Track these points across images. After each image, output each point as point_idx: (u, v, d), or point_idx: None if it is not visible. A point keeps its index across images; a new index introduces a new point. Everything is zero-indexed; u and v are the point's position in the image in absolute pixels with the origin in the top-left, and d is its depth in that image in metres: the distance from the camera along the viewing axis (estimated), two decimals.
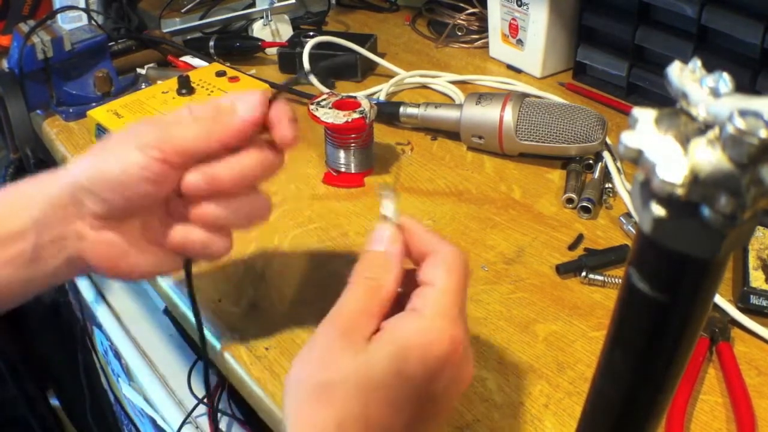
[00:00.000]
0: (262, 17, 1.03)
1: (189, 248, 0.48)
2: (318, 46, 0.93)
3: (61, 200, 0.46)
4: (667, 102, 0.23)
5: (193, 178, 0.45)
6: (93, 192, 0.46)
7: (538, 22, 0.92)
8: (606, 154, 0.73)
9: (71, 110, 0.87)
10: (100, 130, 0.76)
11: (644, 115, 0.23)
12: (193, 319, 0.55)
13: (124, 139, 0.46)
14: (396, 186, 0.74)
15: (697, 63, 0.24)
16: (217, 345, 0.56)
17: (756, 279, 0.56)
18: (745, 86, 0.75)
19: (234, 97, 0.47)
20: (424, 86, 0.95)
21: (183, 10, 1.10)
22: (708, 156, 0.22)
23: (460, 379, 0.38)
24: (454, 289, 0.39)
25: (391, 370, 0.36)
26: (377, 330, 0.39)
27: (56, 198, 0.46)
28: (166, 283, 0.62)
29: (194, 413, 0.84)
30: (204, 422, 0.82)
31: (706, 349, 0.52)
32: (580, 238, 0.65)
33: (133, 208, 0.47)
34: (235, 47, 1.00)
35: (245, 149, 0.46)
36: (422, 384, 0.37)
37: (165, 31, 1.01)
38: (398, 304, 0.40)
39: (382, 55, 1.00)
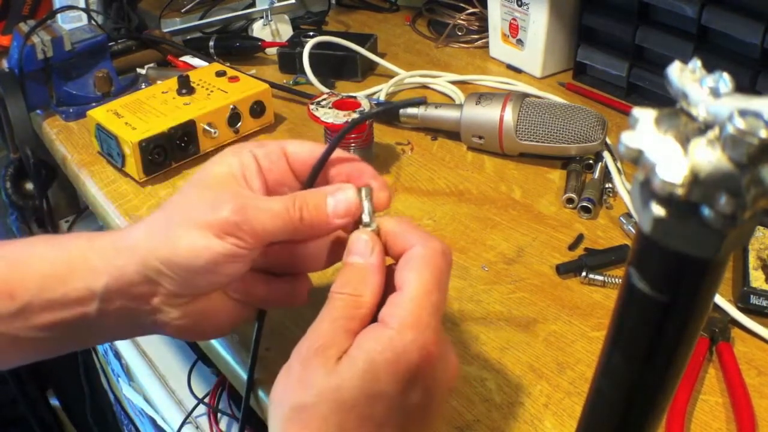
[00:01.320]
0: (262, 17, 1.03)
1: (274, 300, 0.48)
2: (318, 46, 0.93)
3: (129, 279, 0.43)
4: (667, 102, 0.23)
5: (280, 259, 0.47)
6: (172, 278, 0.42)
7: (538, 22, 0.92)
8: (606, 154, 0.73)
9: (71, 110, 0.87)
10: (100, 130, 0.76)
11: (644, 115, 0.23)
12: None
13: (195, 211, 0.42)
14: (396, 186, 0.74)
15: (697, 63, 0.24)
16: (217, 345, 0.56)
17: (756, 279, 0.56)
18: (745, 86, 0.75)
19: (305, 154, 0.46)
20: (424, 86, 0.95)
21: (183, 10, 1.10)
22: (708, 156, 0.22)
23: (441, 380, 0.38)
24: (424, 291, 0.38)
25: (362, 389, 0.36)
26: None
27: (122, 275, 0.43)
28: None
29: (194, 413, 0.84)
30: (204, 422, 0.83)
31: (706, 349, 0.52)
32: (580, 238, 0.65)
33: (215, 287, 0.45)
34: (235, 47, 1.00)
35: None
36: (397, 397, 0.36)
37: (165, 31, 1.01)
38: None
39: (382, 55, 1.00)
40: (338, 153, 0.46)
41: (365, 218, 0.42)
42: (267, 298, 0.48)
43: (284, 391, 0.38)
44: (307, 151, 0.46)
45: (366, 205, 0.42)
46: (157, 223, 0.44)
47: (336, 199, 0.43)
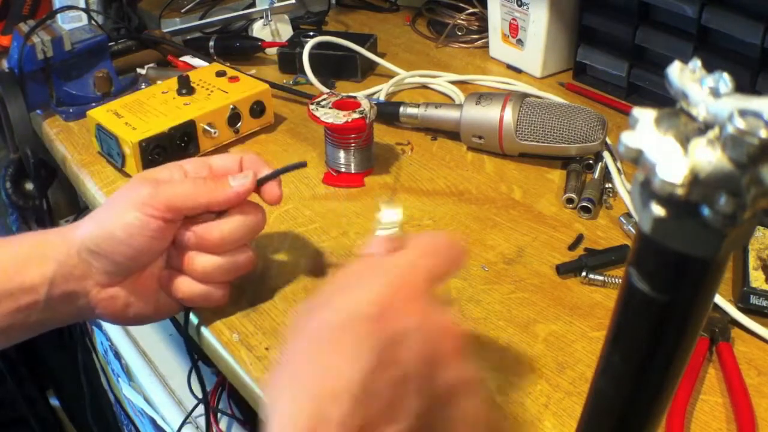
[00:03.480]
0: (262, 17, 1.03)
1: (190, 299, 0.55)
2: (318, 46, 0.93)
3: (70, 262, 0.52)
4: (667, 102, 0.23)
5: (185, 236, 0.52)
6: (99, 253, 0.51)
7: (538, 22, 0.92)
8: (606, 154, 0.73)
9: (71, 110, 0.87)
10: (100, 130, 0.76)
11: (644, 115, 0.23)
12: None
13: (120, 200, 0.52)
14: (396, 186, 0.74)
15: (697, 63, 0.24)
16: (217, 345, 0.56)
17: (756, 279, 0.56)
18: (745, 86, 0.75)
19: (226, 164, 0.56)
20: (424, 86, 0.95)
21: (183, 10, 1.10)
22: (708, 156, 0.22)
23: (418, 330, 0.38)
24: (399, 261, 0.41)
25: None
26: None
27: (66, 260, 0.52)
28: None
29: (194, 413, 0.84)
30: (204, 422, 0.83)
31: (706, 349, 0.52)
32: (580, 238, 0.65)
33: (138, 262, 0.53)
34: (235, 47, 1.00)
35: (232, 212, 0.53)
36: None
37: (165, 31, 1.01)
38: None
39: (382, 55, 1.00)
40: (254, 159, 0.56)
41: (383, 222, 0.47)
42: (188, 298, 0.55)
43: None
44: (229, 162, 0.56)
45: (391, 215, 0.46)
46: (98, 213, 0.53)
47: (235, 176, 0.53)
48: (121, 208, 0.51)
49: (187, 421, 0.83)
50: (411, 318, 0.37)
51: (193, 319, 0.58)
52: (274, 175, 0.55)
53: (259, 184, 0.54)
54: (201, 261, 0.53)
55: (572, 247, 0.64)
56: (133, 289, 0.54)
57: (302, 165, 0.57)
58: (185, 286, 0.54)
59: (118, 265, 0.52)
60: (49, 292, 0.51)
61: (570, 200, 0.69)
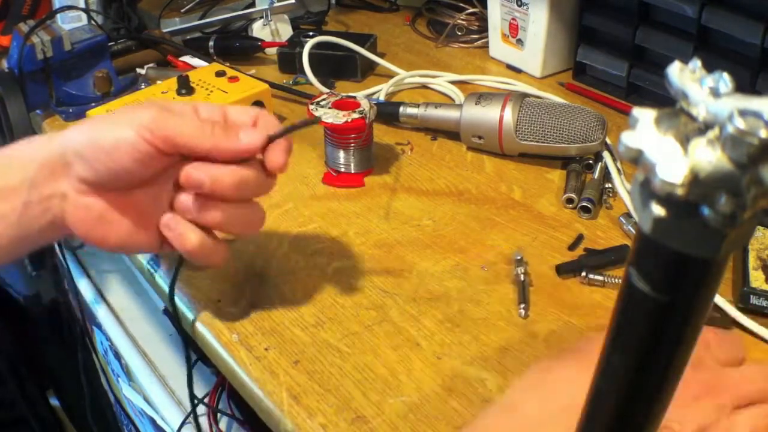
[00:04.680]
0: (262, 17, 1.03)
1: (197, 253, 0.51)
2: (318, 46, 0.93)
3: (51, 160, 0.50)
4: (667, 102, 0.23)
5: (196, 174, 0.48)
6: (83, 157, 0.49)
7: (538, 22, 0.92)
8: (606, 155, 0.73)
9: (71, 110, 0.87)
10: None
11: (644, 115, 0.23)
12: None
13: (123, 115, 0.49)
14: (396, 186, 0.74)
15: (697, 63, 0.24)
16: (217, 345, 0.56)
17: (756, 279, 0.56)
18: (745, 86, 0.75)
19: (241, 118, 0.52)
20: (424, 86, 0.95)
21: (183, 10, 1.10)
22: (708, 156, 0.21)
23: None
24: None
25: None
26: None
27: (47, 158, 0.50)
28: (166, 283, 0.61)
29: (192, 413, 0.84)
30: (204, 422, 0.82)
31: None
32: (580, 238, 0.65)
33: (117, 180, 0.50)
34: (234, 47, 1.00)
35: (245, 164, 0.49)
36: None
37: (165, 31, 1.01)
38: None
39: (382, 55, 1.00)
40: (270, 120, 0.52)
41: None
42: (179, 240, 0.51)
43: None
44: (244, 116, 0.52)
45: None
46: (94, 121, 0.52)
47: (246, 130, 0.50)
48: (118, 123, 0.49)
49: (187, 421, 0.83)
50: None
51: (189, 314, 0.58)
52: (285, 133, 0.51)
53: (269, 141, 0.50)
54: (217, 210, 0.50)
55: (572, 247, 0.64)
56: (110, 206, 0.51)
57: (315, 121, 0.54)
58: (196, 239, 0.51)
59: (97, 174, 0.49)
60: (29, 194, 0.49)
61: (570, 200, 0.69)
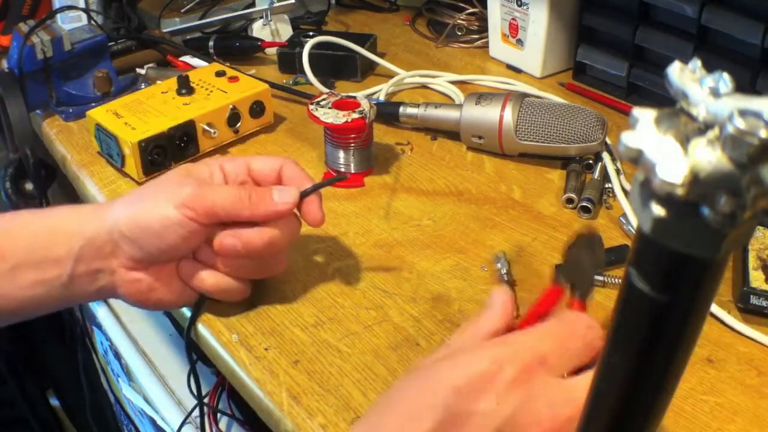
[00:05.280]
0: (262, 17, 1.03)
1: (215, 292, 0.55)
2: (318, 46, 0.93)
3: (99, 239, 0.52)
4: (667, 102, 0.23)
5: (230, 241, 0.52)
6: (131, 239, 0.52)
7: (538, 22, 0.92)
8: (605, 155, 0.73)
9: (71, 110, 0.87)
10: (100, 130, 0.76)
11: (644, 115, 0.23)
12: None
13: (162, 192, 0.53)
14: (396, 186, 0.74)
15: (697, 63, 0.24)
16: (217, 345, 0.56)
17: (756, 279, 0.56)
18: (745, 86, 0.75)
19: (265, 170, 0.56)
20: (424, 86, 0.95)
21: (183, 10, 1.10)
22: (708, 156, 0.21)
23: (512, 412, 0.36)
24: (542, 331, 0.39)
25: (426, 379, 0.38)
26: None
27: (95, 237, 0.52)
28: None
29: (194, 413, 0.84)
30: (204, 422, 0.82)
31: (558, 298, 0.46)
32: None
33: (163, 256, 0.53)
34: (234, 47, 1.00)
35: (275, 223, 0.53)
36: (452, 396, 0.36)
37: (165, 31, 1.01)
38: None
39: (381, 55, 1.00)
40: (294, 170, 0.56)
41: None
42: (214, 291, 0.55)
43: None
44: (268, 167, 0.56)
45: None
46: (135, 199, 0.54)
47: (279, 190, 0.53)
48: (161, 201, 0.52)
49: (187, 421, 0.83)
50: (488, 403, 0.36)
51: (188, 313, 0.58)
52: (317, 188, 0.54)
53: (301, 198, 0.54)
54: (238, 260, 0.54)
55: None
56: (158, 276, 0.54)
57: (344, 177, 0.57)
58: (212, 278, 0.54)
59: (147, 254, 0.52)
60: (74, 267, 0.52)
61: (570, 200, 0.69)
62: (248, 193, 0.52)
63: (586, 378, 0.37)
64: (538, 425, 0.36)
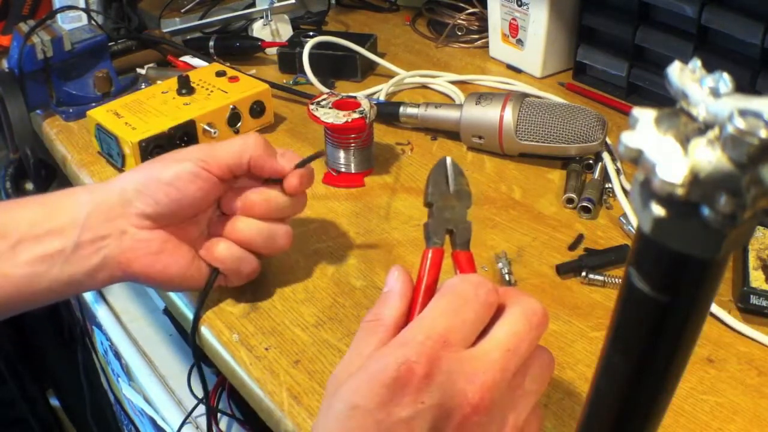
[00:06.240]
0: (262, 17, 1.03)
1: (225, 261, 0.55)
2: (318, 46, 0.93)
3: (108, 201, 0.52)
4: (667, 102, 0.23)
5: (233, 201, 0.55)
6: (144, 193, 0.52)
7: (538, 22, 0.92)
8: (605, 155, 0.73)
9: (71, 110, 0.87)
10: (100, 130, 0.76)
11: (644, 115, 0.23)
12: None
13: (174, 155, 0.54)
14: (396, 186, 0.74)
15: (697, 63, 0.24)
16: (217, 345, 0.56)
17: (756, 279, 0.56)
18: (745, 86, 0.75)
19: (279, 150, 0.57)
20: (424, 86, 0.95)
21: (183, 10, 1.10)
22: (708, 156, 0.22)
23: (442, 403, 0.36)
24: (431, 314, 0.38)
25: (345, 401, 0.36)
26: None
27: (104, 199, 0.52)
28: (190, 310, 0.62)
29: (194, 413, 0.84)
30: (204, 422, 0.82)
31: (440, 259, 0.44)
32: (580, 238, 0.65)
33: (180, 210, 0.53)
34: (235, 47, 1.00)
35: (278, 185, 0.56)
36: (376, 412, 0.35)
37: (165, 31, 1.01)
38: None
39: (382, 55, 1.00)
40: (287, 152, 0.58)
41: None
42: (224, 259, 0.56)
43: None
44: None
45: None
46: (144, 164, 0.55)
47: (283, 156, 0.56)
48: (170, 161, 0.53)
49: (187, 421, 0.83)
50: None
51: (190, 314, 0.58)
52: (307, 162, 0.57)
53: (296, 167, 0.57)
54: (244, 223, 0.55)
55: (572, 247, 0.64)
56: (170, 237, 0.54)
57: (321, 154, 0.59)
58: (224, 247, 0.55)
59: (160, 206, 0.52)
60: (80, 235, 0.51)
61: (570, 200, 0.69)
62: (254, 138, 0.55)
63: (493, 338, 0.38)
64: (468, 403, 0.36)
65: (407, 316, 0.41)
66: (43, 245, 0.50)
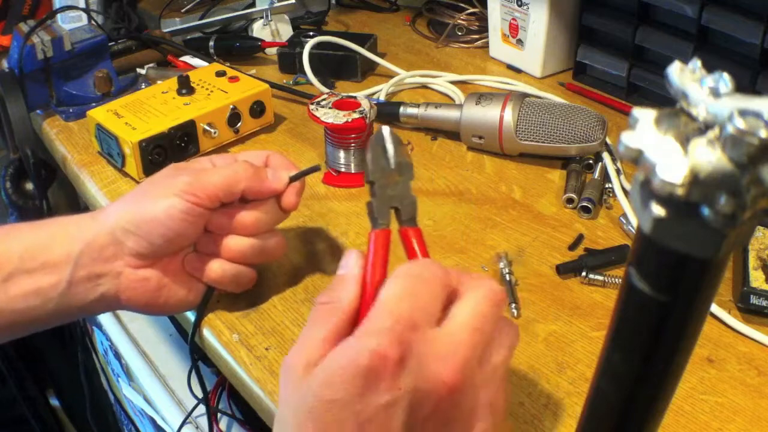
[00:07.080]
0: (262, 17, 1.03)
1: (221, 280, 0.55)
2: (318, 46, 0.93)
3: (99, 241, 0.52)
4: (667, 102, 0.23)
5: (221, 221, 0.54)
6: (136, 233, 0.51)
7: (538, 22, 0.92)
8: (605, 155, 0.73)
9: (71, 110, 0.87)
10: (100, 130, 0.76)
11: (644, 115, 0.23)
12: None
13: (160, 187, 0.53)
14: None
15: (697, 63, 0.24)
16: (217, 345, 0.56)
17: (756, 279, 0.56)
18: (745, 86, 0.75)
19: (254, 161, 0.56)
20: (424, 86, 0.95)
21: (183, 10, 1.10)
22: (708, 156, 0.22)
23: (418, 388, 0.35)
24: (390, 298, 0.37)
25: (319, 396, 0.35)
26: None
27: (95, 239, 0.52)
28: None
29: (194, 413, 0.84)
30: (204, 422, 0.83)
31: (387, 241, 0.43)
32: (580, 238, 0.65)
33: (171, 245, 0.53)
34: (235, 47, 1.00)
35: (262, 202, 0.55)
36: (352, 401, 0.35)
37: (165, 31, 1.01)
38: None
39: (382, 55, 1.00)
40: (280, 159, 0.58)
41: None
42: (220, 279, 0.55)
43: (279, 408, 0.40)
44: (255, 159, 0.57)
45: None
46: (131, 197, 0.54)
47: (273, 171, 0.55)
48: (159, 193, 0.52)
49: (187, 421, 0.83)
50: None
51: (190, 314, 0.58)
52: (301, 175, 0.56)
53: (290, 181, 0.56)
54: (236, 241, 0.54)
55: (572, 247, 0.64)
56: (166, 270, 0.54)
57: (316, 169, 0.58)
58: (218, 266, 0.54)
59: (154, 247, 0.52)
60: (73, 272, 0.51)
61: (570, 200, 0.69)
62: (243, 167, 0.53)
63: (458, 319, 0.38)
64: (442, 383, 0.36)
65: (360, 301, 0.40)
66: (37, 280, 0.50)
